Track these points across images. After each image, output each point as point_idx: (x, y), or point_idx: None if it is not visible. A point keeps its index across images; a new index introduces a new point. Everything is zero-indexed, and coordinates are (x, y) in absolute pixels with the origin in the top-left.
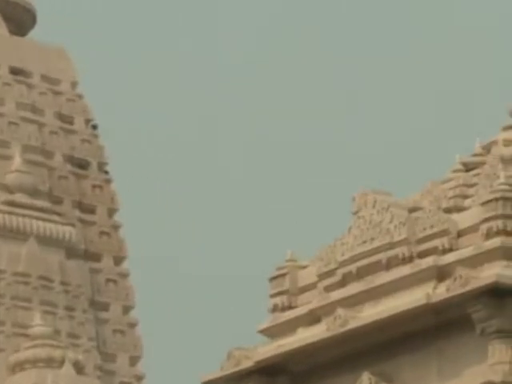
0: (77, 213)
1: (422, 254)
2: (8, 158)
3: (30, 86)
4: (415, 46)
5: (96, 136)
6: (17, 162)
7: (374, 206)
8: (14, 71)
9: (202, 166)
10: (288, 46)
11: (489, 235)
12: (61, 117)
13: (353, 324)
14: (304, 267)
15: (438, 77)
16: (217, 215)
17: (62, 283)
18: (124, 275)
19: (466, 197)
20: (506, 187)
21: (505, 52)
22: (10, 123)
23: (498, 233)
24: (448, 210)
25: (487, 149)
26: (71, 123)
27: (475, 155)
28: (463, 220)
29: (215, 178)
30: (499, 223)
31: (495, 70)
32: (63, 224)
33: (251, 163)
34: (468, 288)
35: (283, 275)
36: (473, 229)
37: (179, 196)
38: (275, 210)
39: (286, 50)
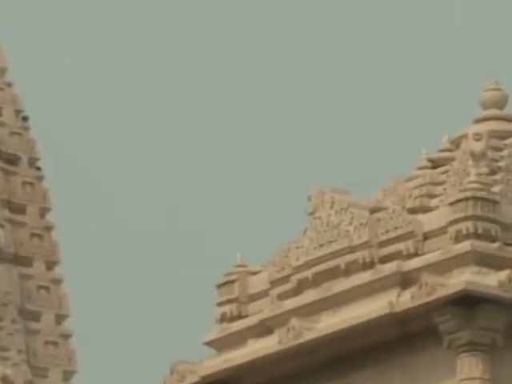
0: (5, 213)
1: (385, 259)
2: None
3: None
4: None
5: (27, 129)
6: None
7: (331, 206)
8: None
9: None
10: (288, 45)
11: (458, 238)
12: None
13: (308, 336)
14: (255, 273)
15: (407, 69)
16: (162, 216)
17: None
18: (57, 281)
19: (432, 196)
20: (477, 185)
21: (472, 41)
22: None
23: (468, 236)
24: (413, 211)
25: (456, 143)
26: None
27: (443, 150)
28: (430, 221)
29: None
30: (469, 225)
31: (464, 58)
32: None
33: (223, 159)
34: (435, 296)
35: (232, 282)
36: (440, 231)
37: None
38: (224, 209)
39: (286, 50)
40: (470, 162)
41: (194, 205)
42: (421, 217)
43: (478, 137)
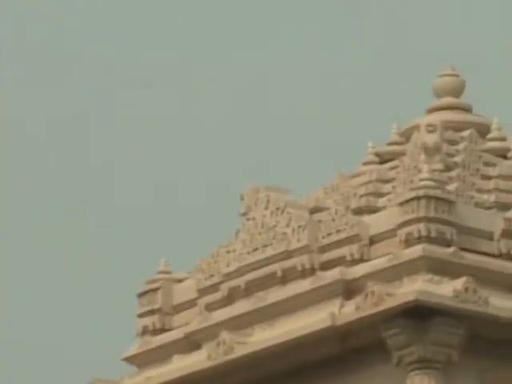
0: None
1: (326, 265)
2: None
3: None
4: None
5: None
6: None
7: (267, 206)
8: None
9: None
10: (288, 45)
11: (408, 242)
12: None
13: (240, 351)
14: (180, 280)
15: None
16: (79, 216)
17: None
18: None
19: (380, 195)
20: (430, 183)
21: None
22: None
23: (420, 239)
24: (358, 211)
25: (406, 136)
26: None
27: (391, 144)
28: (377, 223)
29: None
30: (421, 227)
31: (417, 41)
32: None
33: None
34: (382, 307)
35: (155, 290)
36: (389, 234)
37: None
38: (145, 208)
39: (286, 50)
40: (422, 157)
41: (115, 203)
42: (367, 218)
43: (431, 128)
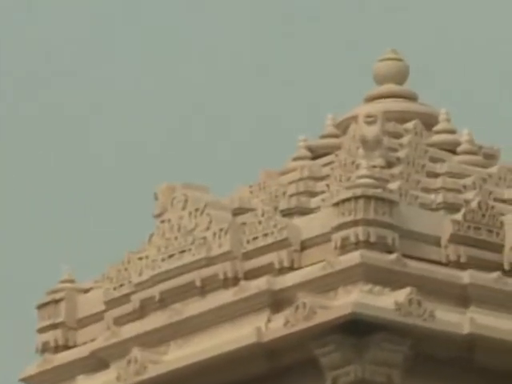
0: None
1: (252, 274)
2: None
3: None
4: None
5: None
6: None
7: (184, 207)
8: None
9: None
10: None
11: (345, 248)
12: None
13: (153, 371)
14: (86, 291)
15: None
16: None
17: None
18: None
19: (313, 194)
20: (369, 181)
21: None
22: None
23: (358, 245)
24: (288, 213)
25: (343, 127)
26: None
27: (326, 136)
28: (309, 227)
29: None
30: (359, 231)
31: (354, 21)
32: None
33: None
34: (315, 322)
35: (57, 302)
36: (322, 239)
37: None
38: (44, 211)
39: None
40: (361, 152)
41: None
42: (298, 221)
43: (370, 119)
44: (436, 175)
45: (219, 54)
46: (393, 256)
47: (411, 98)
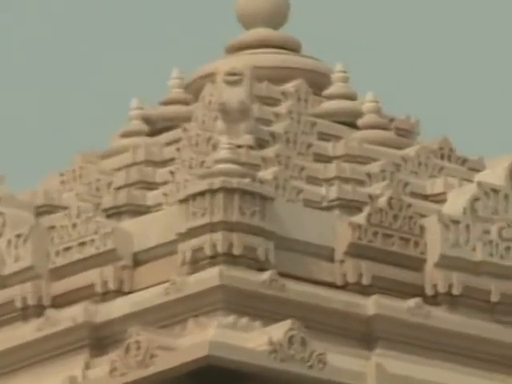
0: None
1: (63, 300)
2: None
3: None
4: None
5: None
6: None
7: None
8: None
9: None
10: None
11: (196, 263)
12: None
13: None
14: None
15: None
16: None
17: None
18: None
19: (150, 186)
20: (232, 167)
21: None
22: None
23: (216, 259)
24: (115, 212)
25: (193, 90)
26: None
27: (169, 102)
28: (145, 232)
29: None
30: (217, 239)
31: None
32: None
33: None
34: (154, 369)
35: None
36: (164, 250)
37: None
38: None
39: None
40: (220, 125)
41: None
42: (129, 224)
43: (233, 78)
44: (328, 159)
45: None
46: (266, 275)
47: (292, 47)
